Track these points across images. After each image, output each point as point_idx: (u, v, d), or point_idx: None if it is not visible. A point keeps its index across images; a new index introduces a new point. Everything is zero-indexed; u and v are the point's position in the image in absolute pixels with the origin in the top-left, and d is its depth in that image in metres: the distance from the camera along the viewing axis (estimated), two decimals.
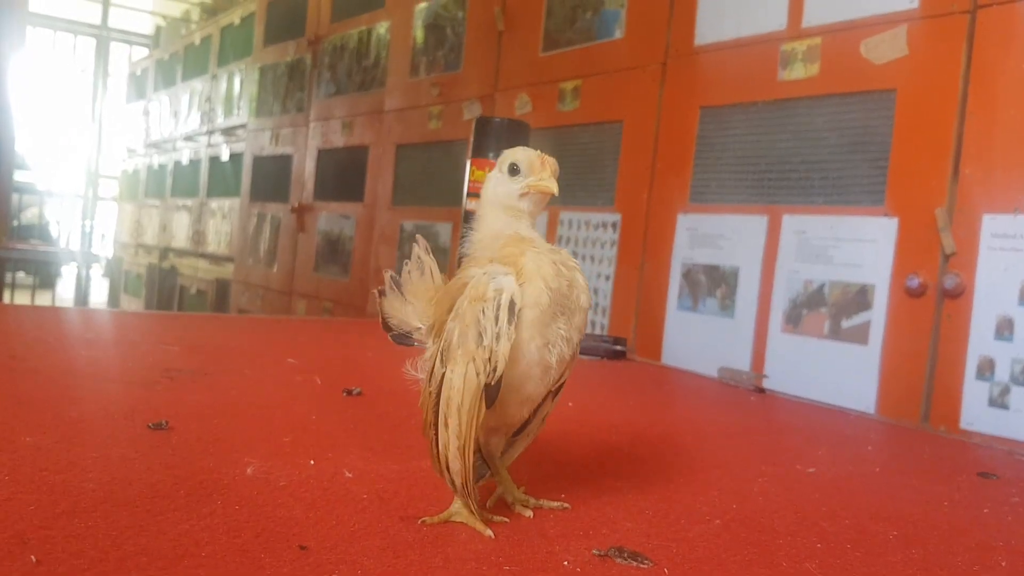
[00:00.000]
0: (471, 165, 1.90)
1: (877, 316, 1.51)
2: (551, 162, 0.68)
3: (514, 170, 0.67)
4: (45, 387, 0.95)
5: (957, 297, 1.39)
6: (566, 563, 0.57)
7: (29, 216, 7.94)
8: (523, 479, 0.74)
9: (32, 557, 0.48)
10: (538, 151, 0.69)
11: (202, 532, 0.55)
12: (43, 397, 0.89)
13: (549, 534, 0.62)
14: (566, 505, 0.68)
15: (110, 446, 0.72)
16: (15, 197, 6.06)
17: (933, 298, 1.43)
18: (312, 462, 0.73)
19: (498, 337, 0.60)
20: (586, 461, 0.86)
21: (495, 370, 0.60)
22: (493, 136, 1.77)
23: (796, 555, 0.63)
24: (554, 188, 0.67)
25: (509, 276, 0.62)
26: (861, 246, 1.56)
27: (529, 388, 0.63)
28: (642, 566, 0.58)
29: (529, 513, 0.66)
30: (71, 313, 1.92)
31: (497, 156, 1.90)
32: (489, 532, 0.60)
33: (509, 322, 0.60)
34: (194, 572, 0.49)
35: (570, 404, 1.20)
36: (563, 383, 0.68)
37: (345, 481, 0.68)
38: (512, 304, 0.61)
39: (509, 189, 0.67)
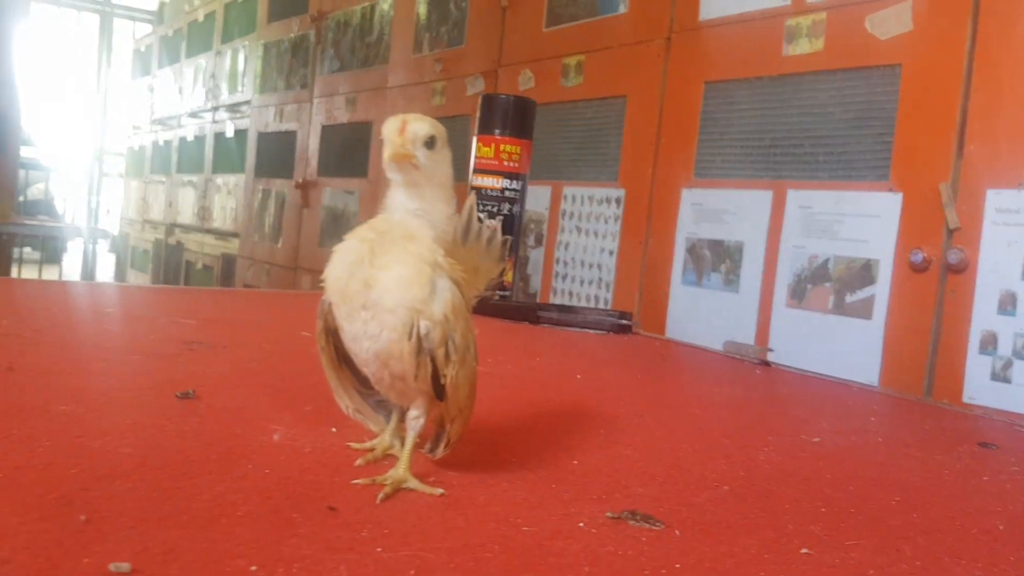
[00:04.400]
0: (477, 142, 1.92)
1: (881, 291, 1.53)
2: (415, 127, 0.63)
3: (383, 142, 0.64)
4: (71, 359, 0.98)
5: (961, 272, 1.41)
6: (581, 524, 0.59)
7: (35, 192, 7.97)
8: (534, 447, 0.76)
9: (81, 516, 0.50)
10: (407, 115, 0.64)
11: (235, 494, 0.58)
12: (71, 368, 0.92)
13: (564, 498, 0.65)
14: (438, 491, 0.63)
15: (141, 414, 0.75)
16: (21, 173, 6.08)
17: (937, 273, 1.45)
18: (334, 429, 0.76)
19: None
20: (596, 430, 0.89)
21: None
22: (499, 113, 1.79)
23: (802, 519, 0.66)
24: (388, 153, 0.62)
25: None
26: (866, 221, 1.57)
27: (367, 371, 0.67)
28: (654, 528, 0.60)
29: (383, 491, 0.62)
30: (87, 288, 1.95)
31: (503, 133, 1.93)
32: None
33: (319, 315, 0.67)
34: (232, 530, 0.52)
35: (578, 376, 1.23)
36: (442, 384, 0.64)
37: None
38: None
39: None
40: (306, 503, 0.58)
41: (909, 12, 1.54)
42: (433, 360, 0.63)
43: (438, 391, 0.64)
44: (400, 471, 0.64)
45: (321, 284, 0.66)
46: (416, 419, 0.67)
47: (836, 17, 1.67)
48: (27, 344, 1.01)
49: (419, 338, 0.62)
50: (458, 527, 0.57)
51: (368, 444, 0.70)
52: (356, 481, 0.63)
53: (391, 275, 0.62)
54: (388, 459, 0.69)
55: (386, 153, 0.63)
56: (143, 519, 0.51)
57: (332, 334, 0.68)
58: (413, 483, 0.64)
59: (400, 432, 0.69)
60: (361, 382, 0.71)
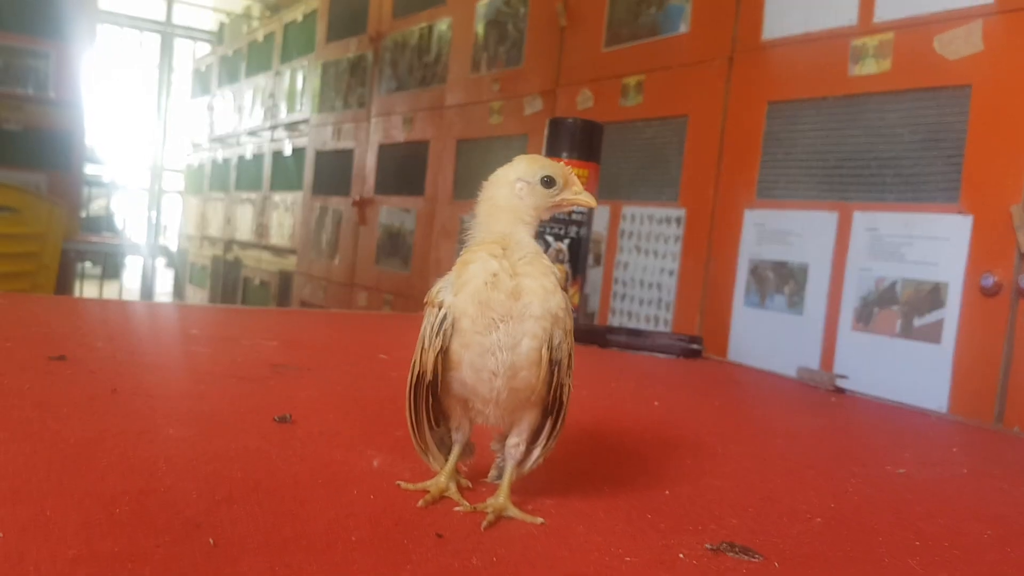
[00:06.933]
0: None
1: (950, 315, 1.51)
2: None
3: (548, 183, 0.69)
4: (170, 382, 1.01)
5: None
6: (682, 556, 0.60)
7: (96, 208, 8.18)
8: (625, 475, 0.77)
9: (210, 540, 0.53)
10: (559, 162, 0.71)
11: (348, 519, 0.60)
12: (171, 391, 0.95)
13: (661, 528, 0.66)
14: (538, 520, 0.65)
15: (245, 438, 0.77)
16: (84, 190, 6.23)
17: (1008, 297, 1.43)
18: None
19: (427, 347, 0.66)
20: (683, 459, 0.89)
21: (426, 373, 0.66)
22: (567, 136, 1.81)
23: (897, 552, 0.66)
24: (594, 202, 0.71)
25: (450, 286, 0.66)
26: (934, 244, 1.56)
27: (482, 390, 0.65)
28: (753, 560, 0.61)
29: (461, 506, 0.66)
30: (169, 308, 2.01)
31: (571, 156, 1.94)
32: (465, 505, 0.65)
33: (436, 334, 0.65)
34: (349, 555, 0.54)
35: (656, 403, 1.24)
36: (560, 393, 0.67)
37: (464, 474, 0.72)
38: (444, 316, 0.65)
39: (542, 201, 0.69)
40: (414, 529, 0.60)
41: (980, 32, 1.53)
42: (557, 370, 0.66)
43: (553, 401, 0.67)
44: (501, 499, 0.65)
45: (429, 303, 0.66)
46: (516, 446, 0.68)
47: (904, 37, 1.66)
48: (124, 366, 1.05)
49: (551, 347, 0.65)
50: (562, 557, 0.58)
51: (422, 485, 0.68)
52: (458, 508, 0.65)
53: (537, 284, 0.65)
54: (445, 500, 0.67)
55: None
56: (266, 543, 0.54)
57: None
58: (513, 511, 0.65)
59: (456, 474, 0.69)
60: (433, 418, 0.70)
